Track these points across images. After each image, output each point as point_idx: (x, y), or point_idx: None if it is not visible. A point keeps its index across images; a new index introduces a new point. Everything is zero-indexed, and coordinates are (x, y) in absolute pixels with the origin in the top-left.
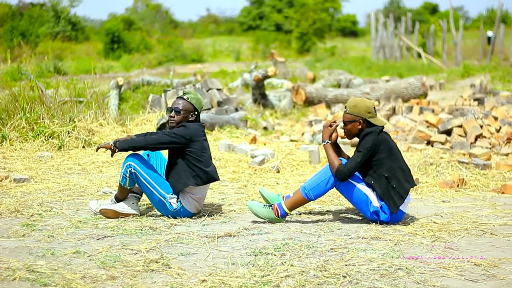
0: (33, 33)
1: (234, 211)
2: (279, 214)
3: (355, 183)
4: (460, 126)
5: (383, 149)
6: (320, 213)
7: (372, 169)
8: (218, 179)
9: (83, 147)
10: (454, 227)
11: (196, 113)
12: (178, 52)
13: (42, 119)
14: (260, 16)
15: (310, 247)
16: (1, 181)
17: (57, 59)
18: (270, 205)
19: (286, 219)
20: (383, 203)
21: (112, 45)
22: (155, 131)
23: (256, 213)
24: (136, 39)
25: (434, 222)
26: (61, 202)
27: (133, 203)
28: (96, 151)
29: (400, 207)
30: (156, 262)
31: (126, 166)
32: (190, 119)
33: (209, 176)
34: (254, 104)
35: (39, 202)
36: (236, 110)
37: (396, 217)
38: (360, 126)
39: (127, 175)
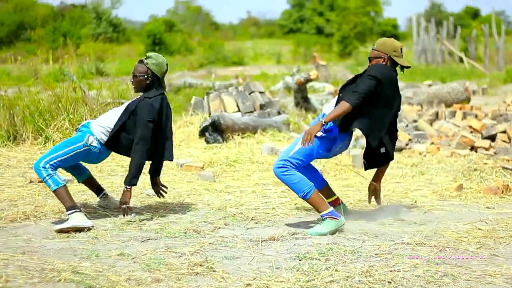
0: (74, 34)
1: (278, 215)
2: (334, 218)
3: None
4: (504, 131)
5: (385, 86)
6: (364, 218)
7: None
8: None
9: None
10: (499, 234)
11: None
12: (219, 54)
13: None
14: (300, 19)
15: (354, 252)
16: None
17: (99, 61)
18: (323, 219)
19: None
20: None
21: (154, 47)
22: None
23: (322, 234)
24: (177, 41)
25: (479, 229)
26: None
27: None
28: (123, 215)
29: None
30: (200, 265)
31: (41, 169)
32: (147, 82)
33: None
34: (296, 108)
35: (83, 203)
36: (279, 113)
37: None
38: (384, 63)
39: (48, 173)
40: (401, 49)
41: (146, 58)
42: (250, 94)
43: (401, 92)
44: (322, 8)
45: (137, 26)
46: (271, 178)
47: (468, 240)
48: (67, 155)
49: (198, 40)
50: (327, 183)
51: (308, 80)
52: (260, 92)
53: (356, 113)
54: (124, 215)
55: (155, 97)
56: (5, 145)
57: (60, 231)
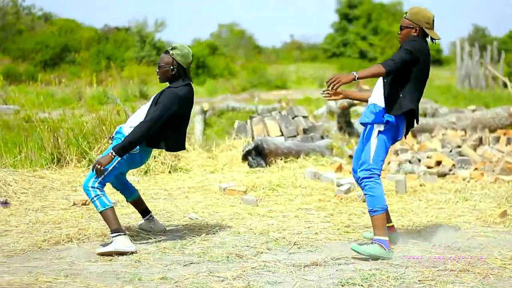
0: (118, 57)
1: (321, 240)
2: (384, 247)
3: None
4: None
5: (421, 62)
6: (407, 244)
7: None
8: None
9: (169, 172)
10: None
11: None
12: (262, 78)
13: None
14: (344, 43)
15: (397, 279)
16: (88, 204)
17: (142, 83)
18: (373, 242)
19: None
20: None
21: (197, 70)
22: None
23: (363, 253)
24: (220, 65)
25: None
26: None
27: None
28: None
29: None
30: None
31: (90, 189)
32: (172, 72)
33: (177, 144)
34: (339, 132)
35: (126, 226)
36: (322, 137)
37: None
38: (415, 34)
39: (97, 194)
40: (433, 20)
41: (171, 49)
42: (293, 118)
43: (445, 117)
44: (365, 32)
45: None
46: (314, 202)
47: None
48: (111, 167)
49: (241, 64)
50: (387, 208)
51: (352, 105)
52: (304, 117)
53: (404, 94)
54: (97, 175)
55: (181, 87)
56: (49, 167)
57: (103, 254)
